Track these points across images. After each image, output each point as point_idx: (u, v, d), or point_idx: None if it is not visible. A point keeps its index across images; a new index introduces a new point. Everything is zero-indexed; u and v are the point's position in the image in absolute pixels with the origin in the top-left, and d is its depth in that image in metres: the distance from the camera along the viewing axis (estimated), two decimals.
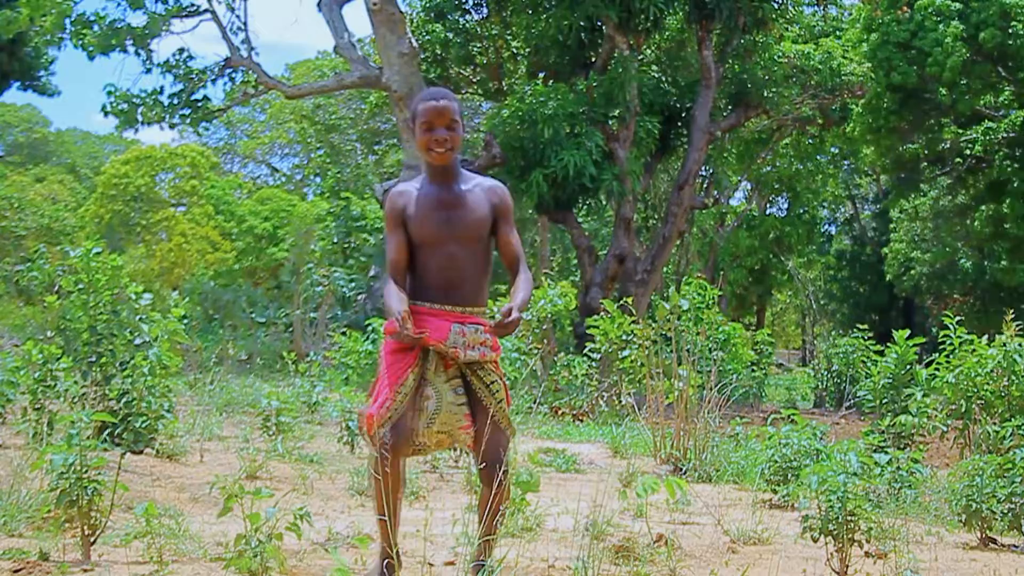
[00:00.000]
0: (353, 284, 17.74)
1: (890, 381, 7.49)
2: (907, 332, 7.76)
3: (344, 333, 12.82)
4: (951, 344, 6.92)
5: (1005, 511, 4.97)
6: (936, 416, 6.77)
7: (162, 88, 18.11)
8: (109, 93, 17.71)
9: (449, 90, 3.76)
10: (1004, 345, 6.47)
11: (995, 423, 6.30)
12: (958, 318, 7.14)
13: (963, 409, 6.63)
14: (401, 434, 3.45)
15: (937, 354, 7.00)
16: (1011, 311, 7.48)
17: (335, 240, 19.65)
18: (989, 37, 18.08)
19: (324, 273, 17.20)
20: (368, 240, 21.19)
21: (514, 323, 3.42)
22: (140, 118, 17.77)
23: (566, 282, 12.59)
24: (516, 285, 3.62)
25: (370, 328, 11.86)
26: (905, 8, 19.04)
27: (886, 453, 5.30)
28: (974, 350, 6.67)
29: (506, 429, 3.59)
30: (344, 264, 18.81)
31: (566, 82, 17.39)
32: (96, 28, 17.40)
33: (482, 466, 3.49)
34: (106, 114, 17.84)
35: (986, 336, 6.79)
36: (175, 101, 18.03)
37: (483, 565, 3.48)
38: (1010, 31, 18.32)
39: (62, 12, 17.26)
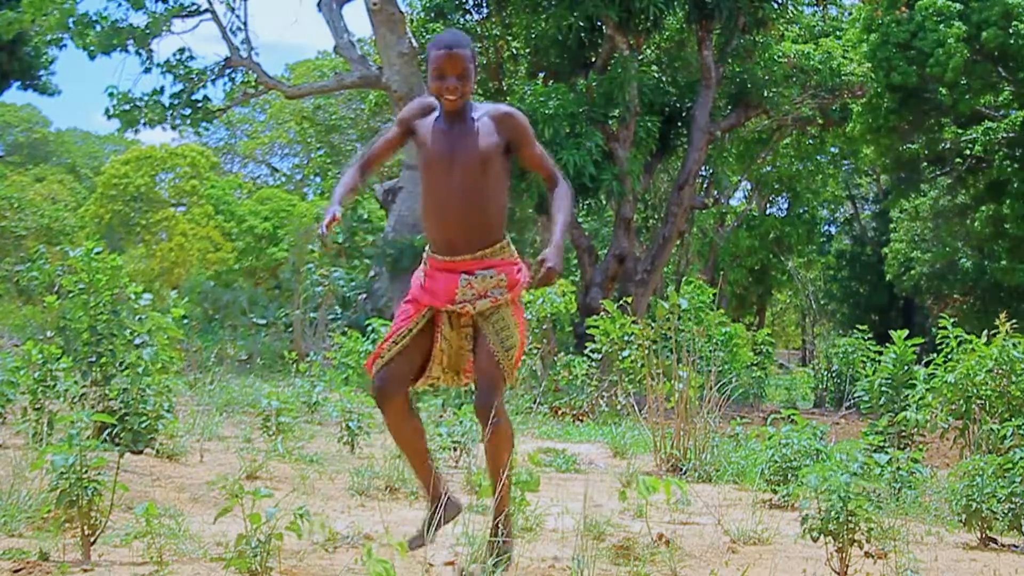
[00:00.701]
0: (353, 284, 17.72)
1: (888, 381, 7.49)
2: (906, 332, 7.76)
3: (344, 333, 12.82)
4: (949, 344, 6.92)
5: (1005, 511, 4.97)
6: (937, 415, 6.77)
7: (162, 88, 18.12)
8: (111, 95, 17.72)
9: (463, 33, 3.74)
10: (1002, 344, 6.47)
11: (995, 423, 6.30)
12: (954, 319, 7.14)
13: (963, 409, 6.63)
14: (388, 381, 3.57)
15: (936, 354, 7.00)
16: (1005, 311, 7.48)
17: (339, 240, 19.63)
18: (991, 37, 18.07)
19: (324, 273, 17.18)
20: (368, 240, 21.17)
21: (550, 274, 3.43)
22: (142, 120, 17.78)
23: (565, 281, 12.58)
24: (553, 207, 3.63)
25: (370, 328, 11.86)
26: (904, 8, 19.03)
27: (886, 453, 5.30)
28: (973, 349, 6.67)
29: (503, 374, 3.58)
30: (347, 264, 18.79)
31: (566, 82, 17.39)
32: (98, 28, 17.40)
33: (475, 410, 3.57)
34: (109, 117, 17.85)
35: (984, 335, 6.78)
36: (175, 101, 18.04)
37: (498, 525, 3.59)
38: (1011, 31, 18.31)
39: (65, 12, 17.26)
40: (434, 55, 3.58)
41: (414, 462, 3.75)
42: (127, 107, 17.69)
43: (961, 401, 6.60)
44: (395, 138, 3.75)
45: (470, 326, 3.65)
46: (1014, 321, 6.75)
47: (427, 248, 3.76)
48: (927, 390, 6.82)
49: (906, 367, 7.44)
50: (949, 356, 6.84)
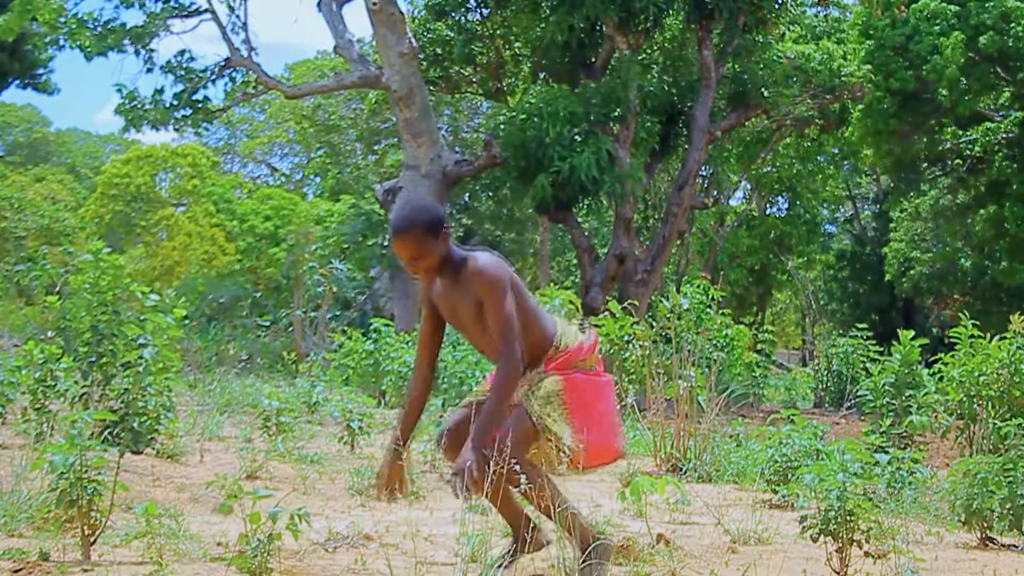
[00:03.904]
0: (353, 284, 17.74)
1: (893, 381, 7.49)
2: (911, 332, 7.76)
3: (344, 333, 12.83)
4: (960, 343, 6.93)
5: (1005, 511, 4.97)
6: (940, 416, 6.78)
7: (163, 88, 18.12)
8: (119, 91, 17.72)
9: (415, 206, 3.59)
10: (1011, 344, 6.48)
11: (997, 422, 6.31)
12: (954, 320, 7.15)
13: (965, 408, 6.64)
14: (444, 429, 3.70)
15: (942, 354, 7.02)
16: (1004, 312, 7.51)
17: (345, 244, 19.68)
18: (989, 42, 18.05)
19: (324, 273, 17.19)
20: (368, 240, 21.18)
21: (457, 481, 3.26)
22: (147, 120, 17.78)
23: (569, 292, 12.60)
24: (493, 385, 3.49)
25: (371, 328, 11.87)
26: (903, 8, 19.01)
27: (886, 453, 5.30)
28: (982, 348, 6.68)
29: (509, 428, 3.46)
30: (347, 262, 18.82)
31: (567, 82, 17.39)
32: (91, 26, 17.37)
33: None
34: (118, 113, 17.84)
35: (990, 335, 6.80)
36: (176, 101, 18.04)
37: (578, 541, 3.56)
38: (1009, 33, 18.30)
39: (54, 12, 17.21)
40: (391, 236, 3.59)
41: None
42: (134, 105, 17.68)
43: (964, 400, 6.61)
44: (429, 315, 3.69)
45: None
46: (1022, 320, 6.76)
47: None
48: (936, 389, 6.84)
49: (911, 367, 7.45)
50: (959, 354, 6.87)
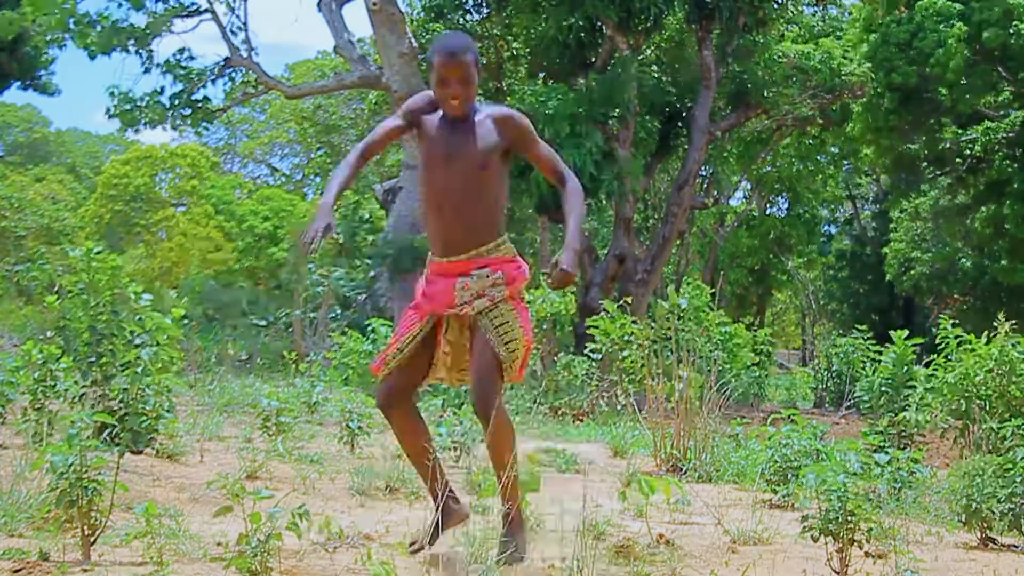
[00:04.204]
0: (353, 284, 17.74)
1: (888, 381, 7.50)
2: (906, 332, 7.76)
3: (344, 333, 12.81)
4: (949, 345, 6.93)
5: (1005, 511, 4.97)
6: (937, 415, 6.78)
7: (162, 88, 18.12)
8: (112, 94, 17.71)
9: (465, 36, 3.74)
10: (1002, 345, 6.47)
11: (995, 423, 6.30)
12: (953, 321, 7.15)
13: (963, 409, 6.64)
14: (394, 390, 3.64)
15: (936, 354, 7.01)
16: (1003, 311, 7.51)
17: (341, 242, 19.66)
18: (993, 37, 18.07)
19: (324, 273, 17.19)
20: (368, 240, 21.16)
21: (565, 278, 3.43)
22: (143, 120, 17.77)
23: (569, 292, 12.59)
24: (565, 208, 3.63)
25: (370, 328, 11.86)
26: (904, 8, 19.04)
27: (886, 453, 5.30)
28: (972, 350, 6.67)
29: (501, 369, 3.56)
30: (348, 263, 18.80)
31: (566, 82, 17.38)
32: (99, 28, 17.39)
33: (472, 407, 3.58)
34: (110, 116, 17.85)
35: (984, 335, 6.79)
36: (175, 101, 18.03)
37: (508, 514, 3.62)
38: (1012, 31, 18.31)
39: (66, 12, 17.25)
40: (437, 61, 3.56)
41: (420, 468, 3.77)
42: (128, 107, 17.67)
43: (961, 401, 6.61)
44: (398, 128, 3.72)
45: (471, 326, 3.65)
46: (1014, 322, 6.75)
47: (429, 253, 3.77)
48: (927, 390, 6.83)
49: (906, 367, 7.45)
50: (949, 356, 6.85)
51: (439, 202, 3.62)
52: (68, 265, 6.51)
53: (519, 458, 3.68)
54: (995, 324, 6.71)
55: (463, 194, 3.59)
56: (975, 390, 6.55)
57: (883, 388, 7.48)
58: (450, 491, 3.80)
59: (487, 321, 3.57)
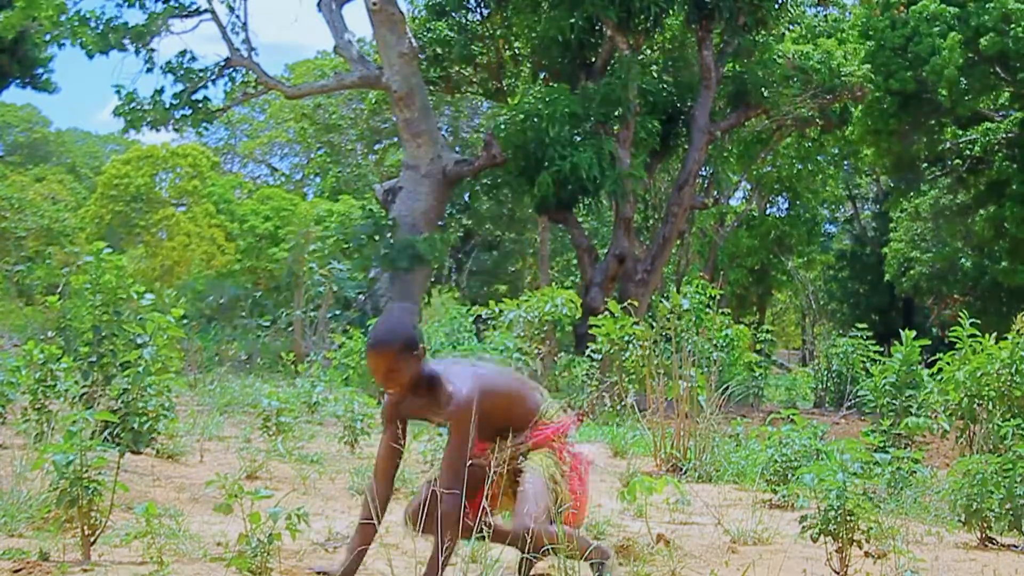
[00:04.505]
0: (353, 284, 17.72)
1: (893, 381, 7.49)
2: (913, 333, 7.75)
3: (345, 333, 12.81)
4: (960, 342, 6.93)
5: (1005, 511, 4.97)
6: (939, 416, 6.77)
7: (163, 88, 18.12)
8: (118, 93, 17.71)
9: (390, 326, 3.62)
10: (1014, 345, 6.47)
11: (997, 423, 6.30)
12: (954, 320, 7.14)
13: (966, 408, 6.63)
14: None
15: (940, 355, 7.01)
16: (1005, 311, 7.50)
17: (346, 244, 19.65)
18: (990, 44, 18.07)
19: (324, 273, 17.18)
20: (369, 241, 21.15)
21: None
22: (147, 121, 17.77)
23: (571, 292, 12.58)
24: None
25: (370, 328, 11.85)
26: (901, 9, 19.03)
27: (887, 453, 5.31)
28: (983, 348, 6.68)
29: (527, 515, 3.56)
30: (347, 262, 18.78)
31: (567, 82, 17.39)
32: (93, 25, 17.37)
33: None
34: (116, 115, 17.83)
35: (994, 336, 6.80)
36: (175, 101, 18.03)
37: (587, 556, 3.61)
38: (1009, 34, 18.31)
39: (57, 9, 17.21)
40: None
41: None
42: (132, 106, 17.67)
43: (964, 400, 6.61)
44: (391, 430, 3.66)
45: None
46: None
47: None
48: (935, 388, 6.83)
49: (911, 368, 7.44)
50: (959, 353, 6.86)
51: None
52: (73, 265, 6.51)
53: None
54: (1002, 325, 6.73)
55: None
56: (982, 389, 6.56)
57: (887, 388, 7.47)
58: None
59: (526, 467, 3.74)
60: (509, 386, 3.86)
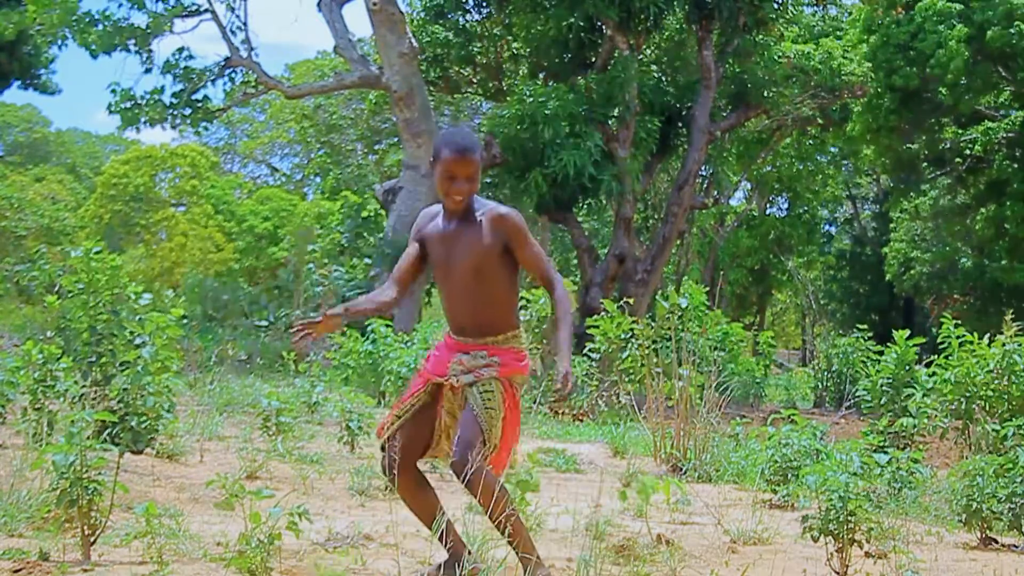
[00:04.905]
0: (353, 284, 17.71)
1: (889, 381, 7.49)
2: (907, 332, 7.75)
3: (344, 333, 12.81)
4: (950, 345, 6.92)
5: (1005, 511, 4.97)
6: (936, 416, 6.77)
7: (163, 88, 18.12)
8: (113, 91, 17.71)
9: (473, 134, 3.81)
10: (1004, 345, 6.47)
11: (995, 423, 6.30)
12: (956, 322, 7.14)
13: (963, 409, 6.63)
14: (396, 455, 3.69)
15: (937, 355, 7.01)
16: (1011, 311, 7.51)
17: (344, 243, 19.65)
18: (996, 37, 18.07)
19: (324, 273, 17.17)
20: (370, 241, 21.13)
21: (570, 389, 3.62)
22: (143, 118, 17.77)
23: (567, 281, 12.54)
24: (556, 315, 3.75)
25: (370, 328, 11.85)
26: (900, 9, 19.03)
27: (886, 453, 5.31)
28: (974, 351, 6.68)
29: (482, 431, 3.61)
30: (348, 263, 18.77)
31: (566, 82, 17.38)
32: (100, 27, 17.40)
33: (451, 467, 3.61)
34: (111, 112, 17.84)
35: (987, 336, 6.79)
36: (175, 101, 18.03)
37: (526, 566, 3.60)
38: (1013, 31, 18.31)
39: (68, 10, 17.25)
40: (446, 156, 3.66)
41: (429, 526, 3.77)
42: (128, 105, 17.67)
43: (961, 400, 6.61)
44: (416, 252, 3.84)
45: (463, 400, 3.73)
46: (1017, 322, 6.76)
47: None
48: (928, 391, 6.83)
49: (907, 367, 7.45)
50: (950, 356, 6.85)
51: (450, 300, 3.80)
52: (68, 265, 6.50)
53: (519, 515, 3.65)
54: (1001, 325, 6.72)
55: (468, 294, 3.73)
56: (976, 390, 6.55)
57: (884, 388, 7.47)
58: (464, 550, 3.78)
59: (473, 393, 3.67)
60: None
